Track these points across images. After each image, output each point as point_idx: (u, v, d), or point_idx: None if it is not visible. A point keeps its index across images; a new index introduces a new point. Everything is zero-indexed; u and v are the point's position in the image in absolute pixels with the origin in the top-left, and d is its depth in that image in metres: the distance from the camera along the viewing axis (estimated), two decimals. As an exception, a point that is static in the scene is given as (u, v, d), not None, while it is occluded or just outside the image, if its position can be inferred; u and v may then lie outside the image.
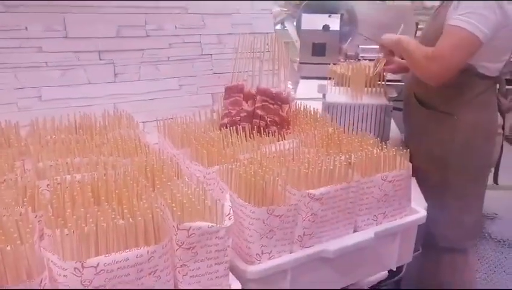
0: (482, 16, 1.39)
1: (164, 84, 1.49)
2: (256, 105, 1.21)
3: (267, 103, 1.21)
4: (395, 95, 1.76)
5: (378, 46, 1.90)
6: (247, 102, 1.23)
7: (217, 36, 1.56)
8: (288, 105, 1.19)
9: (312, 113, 1.39)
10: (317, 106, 1.55)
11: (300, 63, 2.94)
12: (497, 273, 2.42)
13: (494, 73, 1.55)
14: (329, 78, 2.02)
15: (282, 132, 1.18)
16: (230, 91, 1.25)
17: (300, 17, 2.92)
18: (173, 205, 0.78)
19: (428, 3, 4.27)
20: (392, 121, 1.96)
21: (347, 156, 1.04)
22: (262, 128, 1.19)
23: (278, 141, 1.16)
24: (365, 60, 3.12)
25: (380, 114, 1.74)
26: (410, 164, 1.10)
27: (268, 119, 1.20)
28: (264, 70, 1.46)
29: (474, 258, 1.69)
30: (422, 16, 4.42)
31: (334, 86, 1.97)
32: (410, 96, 1.73)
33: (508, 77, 1.66)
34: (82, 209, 0.77)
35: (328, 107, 1.76)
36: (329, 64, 2.85)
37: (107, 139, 1.12)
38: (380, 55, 1.85)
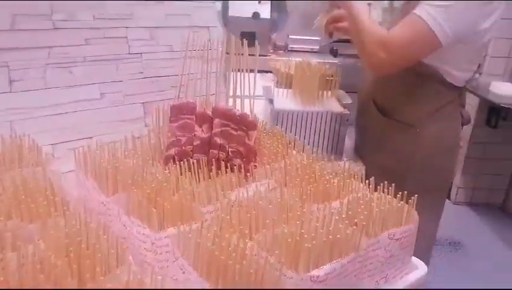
0: (455, 14, 1.20)
1: (80, 92, 1.11)
2: (213, 131, 0.90)
3: (228, 128, 0.90)
4: (350, 101, 1.54)
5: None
6: (201, 126, 0.91)
7: (148, 30, 1.20)
8: (255, 131, 0.89)
9: (261, 125, 1.11)
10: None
11: (227, 53, 2.63)
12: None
13: (461, 83, 1.38)
14: (268, 72, 1.74)
15: (249, 167, 0.89)
16: (177, 111, 0.91)
17: (227, 2, 2.60)
18: None
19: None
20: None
21: (347, 209, 0.78)
22: (222, 161, 0.88)
23: (246, 177, 0.87)
24: (295, 51, 2.90)
25: (334, 123, 1.51)
26: (417, 215, 0.87)
27: (231, 149, 0.90)
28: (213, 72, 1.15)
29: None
30: None
31: (277, 86, 1.71)
32: (368, 103, 1.52)
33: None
34: None
35: (278, 115, 1.50)
36: (260, 55, 2.60)
37: (2, 189, 0.75)
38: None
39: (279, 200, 0.79)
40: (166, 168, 0.87)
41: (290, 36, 2.85)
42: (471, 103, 2.91)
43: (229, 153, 0.89)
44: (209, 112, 0.91)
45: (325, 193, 0.88)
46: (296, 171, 0.92)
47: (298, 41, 2.83)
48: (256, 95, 1.78)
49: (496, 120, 2.87)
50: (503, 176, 3.10)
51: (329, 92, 1.63)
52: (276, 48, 2.85)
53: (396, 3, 1.53)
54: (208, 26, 1.31)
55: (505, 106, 2.52)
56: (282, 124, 1.50)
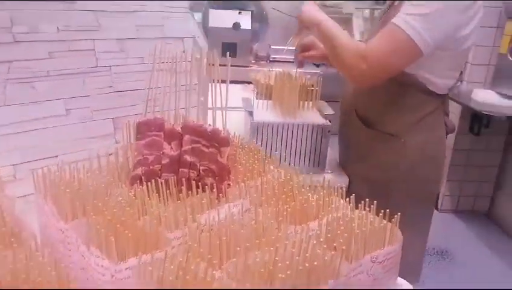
0: (434, 22, 1.16)
1: (44, 109, 1.04)
2: (183, 148, 0.83)
3: (199, 145, 0.83)
4: (331, 112, 1.49)
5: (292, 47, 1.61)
6: (169, 144, 0.84)
7: (118, 42, 1.14)
8: (228, 148, 0.83)
9: (237, 139, 1.05)
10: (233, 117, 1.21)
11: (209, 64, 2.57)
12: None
13: (443, 91, 1.34)
14: (249, 83, 1.69)
15: (222, 186, 0.82)
16: (144, 128, 0.85)
17: (207, 12, 2.55)
18: None
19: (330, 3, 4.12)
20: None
21: (327, 231, 0.72)
22: (193, 181, 0.82)
23: (218, 198, 0.81)
24: (277, 61, 2.86)
25: (316, 135, 1.45)
26: (401, 235, 0.81)
27: (202, 167, 0.83)
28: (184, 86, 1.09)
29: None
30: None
31: (257, 98, 1.65)
32: (350, 114, 1.47)
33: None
34: None
35: (257, 128, 1.44)
36: (241, 66, 2.55)
37: None
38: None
39: (253, 222, 0.72)
40: (132, 190, 0.80)
41: (272, 46, 2.81)
42: (454, 111, 2.88)
43: (201, 171, 0.83)
44: (179, 128, 0.85)
45: (303, 213, 0.82)
46: (272, 189, 0.86)
47: (280, 52, 2.79)
48: (236, 106, 1.73)
49: (478, 127, 2.85)
50: (488, 183, 3.07)
51: (311, 103, 1.58)
52: (258, 59, 2.81)
53: (377, 13, 1.49)
54: (183, 38, 1.25)
55: (487, 113, 2.50)
56: (262, 137, 1.44)
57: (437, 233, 2.61)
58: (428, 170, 1.37)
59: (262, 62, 2.79)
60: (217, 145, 0.82)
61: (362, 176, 1.43)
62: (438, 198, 1.55)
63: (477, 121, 2.85)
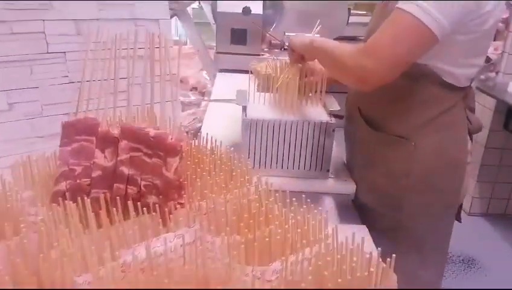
0: (445, 2, 0.93)
1: (-20, 102, 0.87)
2: (119, 157, 0.64)
3: (140, 154, 0.64)
4: (337, 108, 1.27)
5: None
6: (103, 151, 0.65)
7: (74, 24, 0.95)
8: (178, 157, 0.63)
9: (216, 151, 0.85)
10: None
11: (217, 52, 2.38)
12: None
13: (464, 83, 1.10)
14: (251, 73, 1.48)
15: (168, 206, 0.63)
16: (71, 131, 0.66)
17: (216, -4, 2.34)
18: None
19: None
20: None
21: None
22: (132, 199, 0.63)
23: (163, 222, 0.62)
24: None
25: (318, 134, 1.24)
26: (395, 277, 0.60)
27: (143, 183, 0.64)
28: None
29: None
30: None
31: (258, 91, 1.44)
32: (354, 112, 1.25)
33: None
34: None
35: (250, 126, 1.23)
36: (251, 54, 2.34)
37: None
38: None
39: (194, 266, 0.53)
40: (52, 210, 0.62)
41: (287, 34, 2.58)
42: (487, 105, 2.59)
43: (141, 187, 0.64)
44: (116, 132, 0.66)
45: (275, 247, 0.62)
46: (238, 211, 0.67)
47: (296, 39, 2.55)
48: (228, 99, 1.52)
49: (515, 124, 2.56)
50: (522, 185, 2.78)
51: (317, 97, 1.36)
52: (271, 47, 2.59)
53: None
54: (158, 19, 1.06)
55: (525, 109, 2.22)
56: (256, 136, 1.24)
57: (464, 238, 2.35)
58: (445, 179, 1.14)
59: (276, 50, 2.56)
60: (162, 154, 0.63)
61: (369, 185, 1.21)
62: (459, 211, 1.30)
63: (514, 115, 2.56)
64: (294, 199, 0.76)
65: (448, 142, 1.12)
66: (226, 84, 2.10)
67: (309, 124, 1.23)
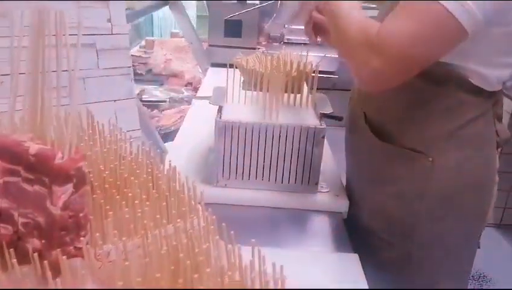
0: None
1: None
2: (-9, 183, 0.45)
3: (17, 179, 0.45)
4: (330, 111, 1.07)
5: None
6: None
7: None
8: (70, 185, 0.44)
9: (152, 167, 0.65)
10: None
11: (210, 45, 2.18)
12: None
13: (495, 86, 0.89)
14: (234, 67, 1.27)
15: (52, 255, 0.44)
16: None
17: (209, -16, 2.14)
18: None
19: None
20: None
21: None
22: (5, 243, 0.44)
23: (43, 275, 0.43)
24: (293, 43, 2.42)
25: (305, 141, 1.04)
26: None
27: (22, 220, 0.45)
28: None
29: None
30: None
31: (243, 88, 1.24)
32: (358, 117, 1.04)
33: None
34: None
35: (225, 129, 1.04)
36: (247, 48, 2.15)
37: None
38: None
39: None
40: None
41: (287, 26, 2.37)
42: (506, 108, 2.36)
43: (19, 227, 0.44)
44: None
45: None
46: (163, 261, 0.47)
47: (297, 32, 2.34)
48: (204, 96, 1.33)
49: (534, 128, 2.32)
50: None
51: (306, 96, 1.16)
52: (270, 40, 2.39)
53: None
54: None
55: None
56: (232, 142, 1.05)
57: (479, 252, 2.14)
58: (468, 203, 0.93)
59: (275, 44, 2.36)
60: (45, 180, 0.43)
61: (374, 207, 1.01)
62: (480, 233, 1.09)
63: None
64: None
65: (473, 159, 0.90)
66: (217, 80, 1.90)
67: (294, 129, 1.03)
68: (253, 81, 1.18)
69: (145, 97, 2.37)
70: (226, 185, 1.07)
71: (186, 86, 2.75)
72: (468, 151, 0.89)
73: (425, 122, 0.90)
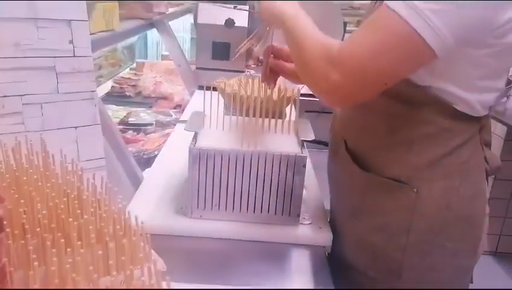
0: (455, 5, 0.67)
1: None
2: None
3: None
4: (312, 138, 1.01)
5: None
6: None
7: None
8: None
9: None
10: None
11: (198, 68, 2.13)
12: None
13: (480, 111, 0.83)
14: (212, 89, 1.20)
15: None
16: None
17: (197, 7, 2.10)
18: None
19: (356, 3, 3.65)
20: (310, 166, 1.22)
21: None
22: None
23: None
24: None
25: (285, 170, 0.97)
26: None
27: None
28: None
29: None
30: (349, 16, 3.81)
31: (226, 113, 1.18)
32: (338, 145, 0.97)
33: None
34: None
35: (199, 157, 0.97)
36: (235, 71, 2.10)
37: None
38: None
39: None
40: None
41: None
42: (497, 132, 2.31)
43: None
44: None
45: None
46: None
47: (286, 55, 2.30)
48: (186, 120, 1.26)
49: (528, 154, 2.27)
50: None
51: (288, 122, 1.10)
52: (259, 62, 2.34)
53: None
54: (70, 20, 0.80)
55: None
56: (207, 171, 0.98)
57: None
58: (458, 235, 0.86)
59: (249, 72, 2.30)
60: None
61: (357, 240, 0.94)
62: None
63: (527, 145, 2.27)
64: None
65: (460, 189, 0.84)
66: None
67: (273, 156, 0.96)
68: (233, 105, 1.12)
69: (131, 120, 2.31)
70: (201, 216, 1.00)
71: (175, 108, 2.69)
72: (454, 180, 0.83)
73: (407, 151, 0.84)
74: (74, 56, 0.80)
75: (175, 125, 2.31)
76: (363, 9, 3.58)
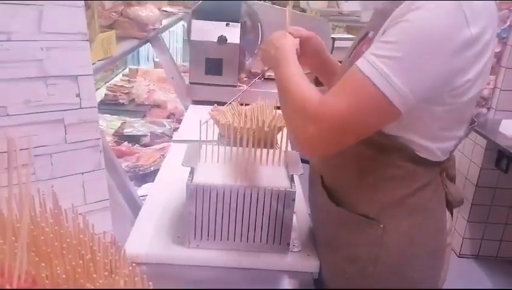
0: (412, 68, 0.75)
1: None
2: None
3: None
4: (300, 172, 1.08)
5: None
6: None
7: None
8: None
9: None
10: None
11: (191, 83, 2.19)
12: None
13: (441, 157, 0.91)
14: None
15: None
16: None
17: (190, 24, 2.15)
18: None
19: (346, 10, 3.69)
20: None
21: None
22: None
23: None
24: (273, 79, 2.42)
25: (276, 204, 1.04)
26: None
27: None
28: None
29: None
30: (338, 22, 3.85)
31: (221, 143, 1.25)
32: (316, 181, 1.05)
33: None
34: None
35: (197, 193, 1.04)
36: (228, 86, 2.16)
37: None
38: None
39: None
40: None
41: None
42: (478, 142, 2.40)
43: None
44: None
45: None
46: None
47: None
48: (182, 140, 1.31)
49: (507, 163, 2.35)
50: (516, 226, 2.58)
51: (279, 154, 1.17)
52: (251, 76, 2.40)
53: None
54: (77, 75, 0.86)
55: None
56: (203, 205, 1.04)
57: (452, 283, 2.15)
58: (420, 269, 0.94)
59: (258, 81, 2.35)
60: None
61: (331, 269, 1.02)
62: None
63: (506, 155, 2.36)
64: None
65: (423, 225, 0.93)
66: (198, 118, 1.89)
67: (265, 191, 1.03)
68: (227, 136, 1.19)
69: (126, 131, 2.36)
70: (198, 245, 1.07)
71: (168, 117, 2.74)
72: (418, 218, 0.91)
73: (375, 190, 0.92)
74: (81, 108, 0.86)
75: (169, 137, 2.38)
76: (352, 15, 3.63)
